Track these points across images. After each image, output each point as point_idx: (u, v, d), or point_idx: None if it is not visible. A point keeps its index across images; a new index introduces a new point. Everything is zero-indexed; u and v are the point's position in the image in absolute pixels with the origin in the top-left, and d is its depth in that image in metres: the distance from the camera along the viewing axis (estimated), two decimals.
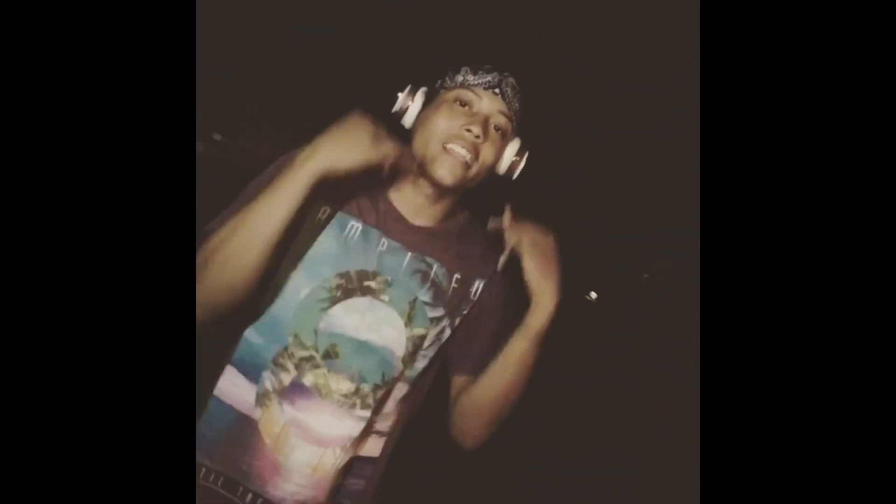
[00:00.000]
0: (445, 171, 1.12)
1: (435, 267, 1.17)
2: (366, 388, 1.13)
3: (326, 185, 1.03)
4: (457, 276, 1.19)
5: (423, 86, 1.21)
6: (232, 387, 1.13)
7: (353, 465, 1.19)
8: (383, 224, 1.16)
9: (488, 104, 1.15)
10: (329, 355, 1.11)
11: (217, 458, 1.12)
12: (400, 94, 1.19)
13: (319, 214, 1.13)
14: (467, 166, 1.13)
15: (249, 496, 1.12)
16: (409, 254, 1.16)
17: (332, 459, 1.13)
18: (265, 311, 1.12)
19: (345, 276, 1.13)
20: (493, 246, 1.19)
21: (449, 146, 1.13)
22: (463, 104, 1.15)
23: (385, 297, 1.14)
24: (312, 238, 1.12)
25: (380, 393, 1.14)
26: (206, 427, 1.12)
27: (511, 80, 1.18)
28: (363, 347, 1.13)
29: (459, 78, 1.17)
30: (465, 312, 1.21)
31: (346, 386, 1.12)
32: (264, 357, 1.12)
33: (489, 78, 1.16)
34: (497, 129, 1.16)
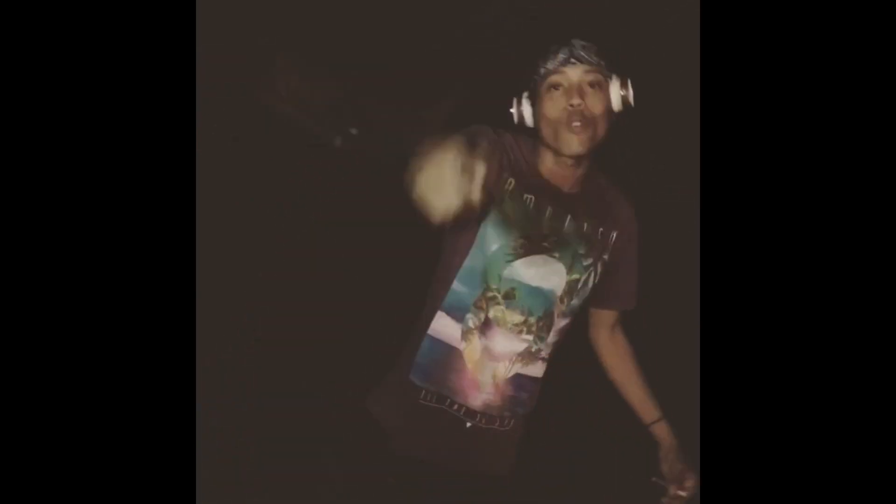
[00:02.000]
0: (574, 145, 1.39)
1: (586, 225, 1.48)
2: (532, 319, 1.46)
3: (504, 156, 1.41)
4: (601, 229, 1.50)
5: (523, 91, 1.46)
6: (442, 327, 1.45)
7: (524, 382, 1.50)
8: (548, 195, 1.46)
9: (573, 75, 1.39)
10: (508, 296, 1.43)
11: (431, 380, 1.46)
12: (511, 109, 1.47)
13: (506, 185, 1.43)
14: (587, 128, 1.39)
15: (455, 406, 1.47)
16: (569, 216, 1.46)
17: (503, 371, 1.47)
18: (462, 265, 1.44)
19: (527, 238, 1.43)
20: (621, 202, 1.54)
21: (565, 125, 1.39)
22: (556, 87, 1.40)
23: (556, 254, 1.45)
24: (500, 202, 1.42)
25: (542, 323, 1.46)
26: (421, 358, 1.47)
27: (576, 42, 1.40)
28: (534, 290, 1.45)
29: (541, 70, 1.40)
30: (605, 258, 1.51)
31: (518, 318, 1.45)
32: (466, 302, 1.44)
33: (561, 56, 1.39)
34: (591, 85, 1.39)
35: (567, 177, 1.49)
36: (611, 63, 1.42)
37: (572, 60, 1.39)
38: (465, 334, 1.45)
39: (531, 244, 1.44)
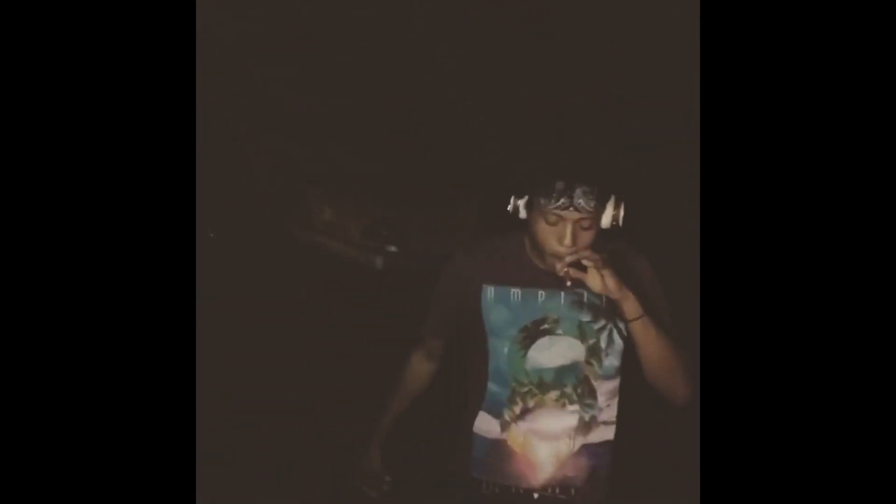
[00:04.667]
0: (560, 267, 1.40)
1: (585, 293, 1.50)
2: (568, 389, 1.52)
3: (481, 270, 1.53)
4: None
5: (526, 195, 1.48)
6: (482, 424, 1.57)
7: (595, 450, 1.56)
8: (535, 280, 1.51)
9: (569, 217, 1.40)
10: (541, 385, 1.52)
11: (489, 473, 1.57)
12: (508, 207, 1.49)
13: (486, 296, 1.53)
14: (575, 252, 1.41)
15: (514, 490, 1.56)
16: (563, 293, 1.50)
17: (566, 448, 1.54)
18: (490, 368, 1.54)
19: (524, 328, 1.51)
20: (627, 258, 1.51)
21: (553, 248, 1.42)
22: (550, 224, 1.42)
23: (560, 331, 1.51)
24: (490, 312, 1.53)
25: (581, 390, 1.52)
26: (476, 453, 1.58)
27: (580, 189, 1.39)
28: (558, 369, 1.52)
29: (542, 201, 1.40)
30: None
31: (554, 394, 1.52)
32: (502, 399, 1.54)
33: (562, 200, 1.39)
34: (584, 227, 1.41)
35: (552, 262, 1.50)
36: (610, 188, 1.43)
37: (571, 208, 1.39)
38: (504, 426, 1.55)
39: (531, 332, 1.52)
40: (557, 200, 1.40)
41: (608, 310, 1.52)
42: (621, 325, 1.51)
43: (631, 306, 1.42)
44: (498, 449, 1.57)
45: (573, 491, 1.56)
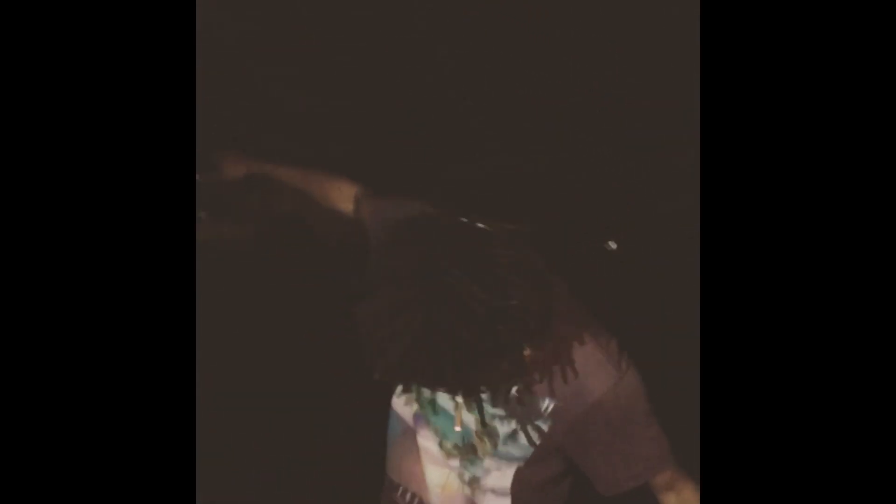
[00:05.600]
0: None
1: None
2: (448, 445, 1.28)
3: None
4: (514, 390, 1.20)
5: None
6: (401, 403, 1.33)
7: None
8: None
9: None
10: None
11: (392, 465, 1.38)
12: None
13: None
14: None
15: (409, 495, 1.35)
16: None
17: (456, 484, 1.31)
18: None
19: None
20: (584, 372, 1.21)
21: None
22: None
23: (458, 399, 1.23)
24: None
25: (464, 452, 1.28)
26: (389, 433, 1.37)
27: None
28: (443, 420, 1.26)
29: None
30: (544, 429, 1.24)
31: (436, 440, 1.29)
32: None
33: None
34: None
35: None
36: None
37: None
38: (416, 419, 1.32)
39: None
40: None
41: (523, 412, 1.23)
42: (533, 435, 1.24)
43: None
44: (406, 439, 1.34)
45: None
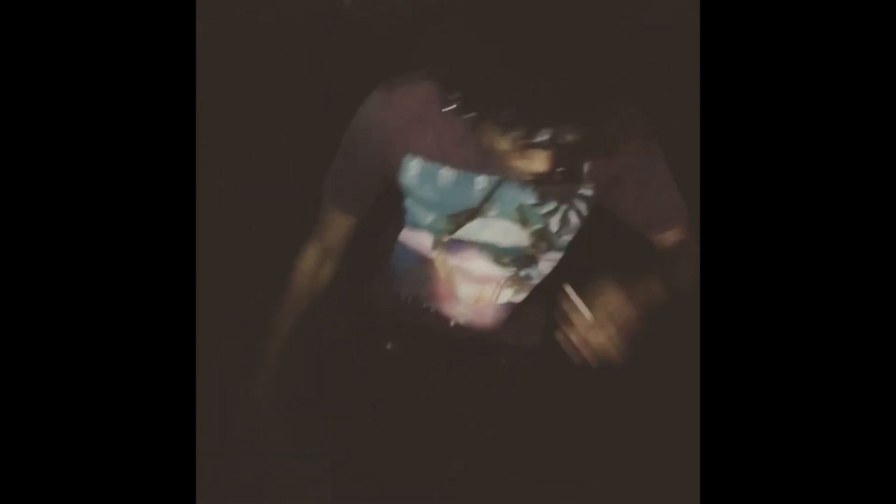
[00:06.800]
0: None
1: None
2: (506, 259, 1.34)
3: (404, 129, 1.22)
4: (559, 169, 1.14)
5: None
6: (411, 237, 1.37)
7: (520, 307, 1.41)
8: (480, 161, 1.21)
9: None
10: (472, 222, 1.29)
11: (406, 286, 1.43)
12: None
13: (410, 170, 1.27)
14: None
15: (431, 310, 1.42)
16: (505, 181, 1.23)
17: (491, 294, 1.39)
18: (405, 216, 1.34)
19: (453, 217, 1.29)
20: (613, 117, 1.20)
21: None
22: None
23: (492, 213, 1.28)
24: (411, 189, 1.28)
25: (521, 261, 1.34)
26: (396, 264, 1.42)
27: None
28: (493, 246, 1.32)
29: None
30: (588, 193, 1.29)
31: (489, 257, 1.34)
32: (431, 223, 1.31)
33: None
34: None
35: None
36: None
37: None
38: (435, 244, 1.35)
39: (459, 221, 1.30)
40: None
41: (564, 190, 1.27)
42: (581, 206, 1.30)
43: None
44: (422, 265, 1.38)
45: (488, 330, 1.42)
